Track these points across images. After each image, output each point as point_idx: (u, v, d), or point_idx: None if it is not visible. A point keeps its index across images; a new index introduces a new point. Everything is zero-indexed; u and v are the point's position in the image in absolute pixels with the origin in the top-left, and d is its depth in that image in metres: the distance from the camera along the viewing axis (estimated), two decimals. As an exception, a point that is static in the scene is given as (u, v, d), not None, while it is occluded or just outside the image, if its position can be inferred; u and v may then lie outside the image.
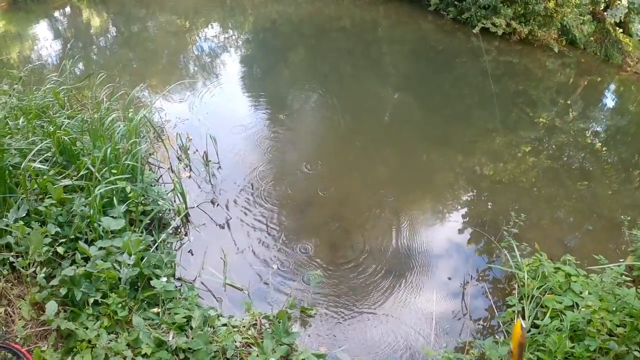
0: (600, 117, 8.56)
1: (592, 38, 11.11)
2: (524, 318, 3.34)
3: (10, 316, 2.98)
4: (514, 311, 3.45)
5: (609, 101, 9.77)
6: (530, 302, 3.44)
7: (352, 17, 11.23)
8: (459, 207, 5.06)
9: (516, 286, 3.71)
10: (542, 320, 3.24)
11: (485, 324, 3.69)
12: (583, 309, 3.13)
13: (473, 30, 10.28)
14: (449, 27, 10.84)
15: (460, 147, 6.20)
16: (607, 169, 6.42)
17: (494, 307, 3.73)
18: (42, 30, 9.38)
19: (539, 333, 3.16)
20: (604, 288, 3.32)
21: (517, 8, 10.22)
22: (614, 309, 3.10)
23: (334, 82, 7.78)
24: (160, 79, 7.32)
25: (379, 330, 3.46)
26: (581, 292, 3.35)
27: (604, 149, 7.09)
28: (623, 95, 10.11)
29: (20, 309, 2.95)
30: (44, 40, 8.67)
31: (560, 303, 3.33)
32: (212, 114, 6.16)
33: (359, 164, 5.50)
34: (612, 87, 10.44)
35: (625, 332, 2.95)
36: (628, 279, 3.43)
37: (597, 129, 7.96)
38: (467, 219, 4.84)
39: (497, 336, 3.41)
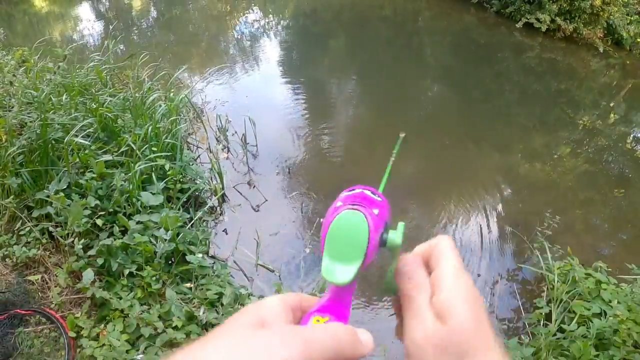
0: (643, 123, 8.31)
1: (638, 39, 10.74)
2: (550, 321, 3.31)
3: (47, 283, 3.11)
4: (541, 313, 3.41)
5: (654, 106, 9.46)
6: (559, 306, 3.40)
7: (394, 7, 11.12)
8: (493, 204, 5.00)
9: (545, 289, 3.67)
10: (568, 325, 3.21)
11: (511, 324, 3.66)
12: (611, 318, 3.08)
13: (516, 25, 10.06)
14: (492, 21, 10.63)
15: (498, 144, 6.11)
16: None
17: (521, 307, 3.70)
18: (84, 11, 9.59)
19: (564, 338, 3.12)
20: (634, 299, 3.26)
21: (562, 4, 9.93)
22: (642, 320, 3.05)
23: (373, 72, 7.73)
24: (201, 62, 7.42)
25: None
26: (610, 301, 3.29)
27: (645, 156, 6.89)
28: (669, 101, 9.78)
29: (56, 276, 3.06)
30: (86, 21, 8.87)
31: (589, 310, 3.28)
32: (251, 98, 6.21)
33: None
34: (658, 92, 10.08)
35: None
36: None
37: (639, 134, 7.73)
38: (501, 217, 4.79)
39: (522, 337, 3.38)
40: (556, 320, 3.31)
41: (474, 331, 0.44)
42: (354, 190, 0.50)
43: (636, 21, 10.48)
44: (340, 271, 0.45)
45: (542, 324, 3.36)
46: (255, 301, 0.45)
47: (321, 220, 4.23)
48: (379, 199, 0.50)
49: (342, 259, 0.45)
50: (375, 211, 0.48)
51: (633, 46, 10.62)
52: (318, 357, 0.38)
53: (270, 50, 8.26)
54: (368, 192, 0.50)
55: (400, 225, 0.51)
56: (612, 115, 7.95)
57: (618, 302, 3.21)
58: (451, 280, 0.47)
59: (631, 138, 7.37)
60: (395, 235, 0.49)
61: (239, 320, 0.42)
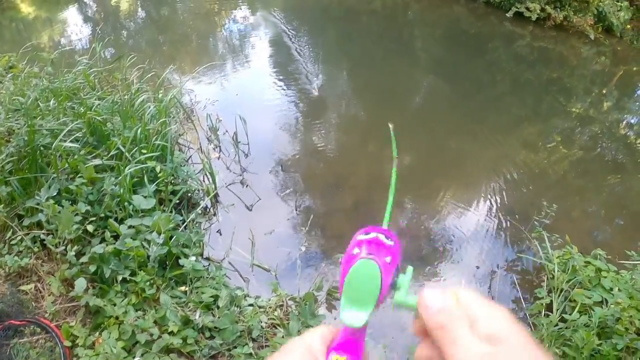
0: (635, 109, 8.29)
1: (628, 26, 10.73)
2: (552, 312, 3.29)
3: (40, 292, 3.06)
4: (542, 304, 3.39)
5: (646, 92, 9.46)
6: (559, 295, 3.38)
7: (383, 0, 11.06)
8: (489, 194, 4.97)
9: (545, 278, 3.64)
10: (570, 314, 3.18)
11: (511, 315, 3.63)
12: (612, 306, 3.06)
13: (506, 15, 10.03)
14: (482, 11, 10.60)
15: (491, 135, 6.08)
16: (641, 162, 6.24)
17: (521, 298, 3.67)
18: (71, 14, 9.47)
19: (567, 328, 3.10)
20: (635, 286, 3.24)
21: (552, -8, 9.94)
22: (644, 307, 3.03)
23: (364, 66, 7.70)
24: (190, 61, 7.35)
25: (404, 316, 3.44)
26: (611, 289, 3.27)
27: (638, 142, 6.88)
28: (661, 85, 9.78)
29: (49, 285, 3.01)
30: (73, 25, 8.76)
31: (590, 298, 3.26)
32: (241, 96, 6.16)
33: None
34: (649, 77, 10.09)
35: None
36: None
37: (632, 120, 7.72)
38: (497, 207, 4.76)
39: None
40: (557, 310, 3.29)
41: (530, 349, 0.46)
42: (369, 234, 0.56)
43: (626, 8, 10.47)
44: (356, 316, 0.52)
45: (543, 314, 3.33)
46: (300, 339, 0.53)
47: (312, 217, 4.22)
48: (391, 243, 0.56)
49: (357, 304, 0.52)
50: (388, 259, 0.54)
51: (623, 33, 10.62)
52: None
53: (259, 47, 8.20)
54: (382, 237, 0.56)
55: (409, 270, 0.58)
56: (604, 102, 7.94)
57: (619, 290, 3.20)
58: (487, 308, 0.49)
59: (624, 124, 7.37)
60: (404, 279, 0.56)
61: (297, 355, 0.50)
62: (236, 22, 9.36)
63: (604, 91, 8.43)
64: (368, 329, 0.54)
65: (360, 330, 0.53)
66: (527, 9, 9.90)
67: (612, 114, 7.51)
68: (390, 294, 0.55)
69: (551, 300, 3.37)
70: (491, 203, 4.83)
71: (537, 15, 9.89)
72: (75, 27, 8.67)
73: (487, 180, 5.21)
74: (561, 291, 3.39)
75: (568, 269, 3.50)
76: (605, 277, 3.40)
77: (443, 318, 0.48)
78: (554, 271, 3.51)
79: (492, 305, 0.49)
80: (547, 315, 3.27)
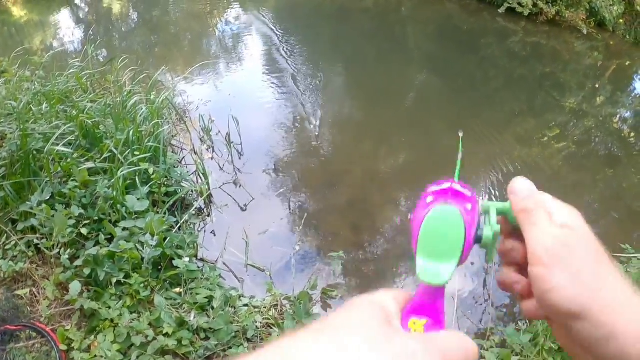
0: (629, 103, 8.31)
1: (621, 20, 10.75)
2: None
3: (35, 296, 3.06)
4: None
5: (639, 86, 9.48)
6: (554, 288, 3.38)
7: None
8: (483, 190, 4.99)
9: (540, 272, 3.65)
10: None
11: (507, 310, 3.65)
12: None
13: (498, 11, 10.04)
14: (474, 8, 10.60)
15: (485, 131, 6.08)
16: (635, 156, 6.26)
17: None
18: (63, 17, 9.44)
19: (562, 321, 3.10)
20: (630, 279, 3.24)
21: (543, -13, 9.95)
22: None
23: (357, 64, 7.70)
24: (183, 62, 7.34)
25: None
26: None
27: (632, 135, 6.91)
28: (654, 79, 9.81)
29: (44, 289, 3.01)
30: (65, 28, 8.73)
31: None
32: (234, 96, 6.16)
33: (383, 146, 5.46)
34: (642, 71, 10.11)
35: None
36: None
37: (626, 114, 7.74)
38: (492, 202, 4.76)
39: (519, 324, 3.36)
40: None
41: (595, 239, 0.50)
42: (442, 184, 0.49)
43: (618, 2, 10.49)
44: (437, 271, 0.44)
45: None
46: (368, 296, 0.43)
47: (306, 216, 4.21)
48: (469, 193, 0.49)
49: (438, 257, 0.44)
50: (469, 206, 0.47)
51: (616, 27, 10.64)
52: None
53: (251, 47, 8.18)
54: (457, 187, 0.49)
55: (494, 223, 0.50)
56: (598, 96, 7.96)
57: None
58: (562, 205, 0.52)
59: (618, 118, 7.39)
60: (489, 231, 0.49)
61: (367, 312, 0.41)
62: (228, 22, 9.34)
63: (597, 85, 8.45)
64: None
65: (439, 290, 0.45)
66: (520, 4, 9.90)
67: (606, 108, 7.53)
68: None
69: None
70: (485, 198, 4.81)
71: (530, 10, 9.89)
72: (67, 30, 8.64)
73: (481, 175, 5.22)
74: (556, 285, 3.39)
75: (562, 263, 3.50)
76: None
77: (529, 203, 0.51)
78: (548, 265, 3.51)
79: (566, 204, 0.52)
80: (542, 310, 3.28)
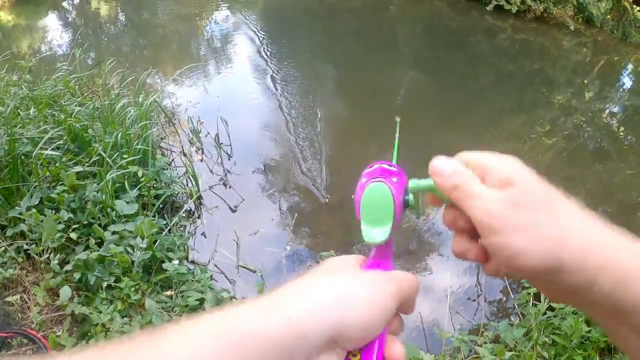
0: (617, 98, 8.38)
1: (608, 16, 10.83)
2: (539, 301, 3.30)
3: (26, 303, 3.02)
4: (529, 293, 3.40)
5: (627, 81, 9.55)
6: (547, 284, 3.39)
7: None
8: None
9: (532, 268, 3.66)
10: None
11: (499, 305, 3.66)
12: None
13: (486, 8, 10.08)
14: (462, 5, 10.65)
15: (475, 128, 6.12)
16: (624, 150, 6.30)
17: (509, 288, 3.68)
18: (51, 21, 9.39)
19: (555, 316, 3.11)
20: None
21: (531, -15, 10.00)
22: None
23: (347, 64, 7.71)
24: (171, 64, 7.31)
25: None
26: (599, 276, 3.29)
27: (621, 130, 6.95)
28: (641, 74, 9.89)
29: (35, 295, 2.98)
30: (53, 31, 8.68)
31: (577, 285, 3.27)
32: (223, 97, 6.15)
33: (373, 144, 5.46)
34: (630, 66, 10.18)
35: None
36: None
37: (615, 109, 7.80)
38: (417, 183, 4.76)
39: (512, 318, 3.37)
40: (545, 299, 3.30)
41: (544, 186, 0.48)
42: (372, 167, 0.59)
43: (606, -2, 10.57)
44: (376, 233, 0.55)
45: (531, 303, 3.35)
46: (337, 257, 0.57)
47: (296, 216, 4.21)
48: (394, 169, 0.58)
49: (375, 222, 0.55)
50: (394, 179, 0.56)
51: (603, 23, 10.72)
52: (404, 293, 0.50)
53: (240, 47, 8.16)
54: (385, 165, 0.59)
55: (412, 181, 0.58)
56: (587, 92, 8.02)
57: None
58: (495, 158, 0.51)
59: (606, 113, 7.44)
60: (413, 197, 0.58)
61: (341, 262, 0.54)
62: (217, 24, 9.32)
63: (586, 81, 8.51)
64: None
65: (386, 248, 0.56)
66: (507, 1, 9.96)
67: (595, 103, 7.58)
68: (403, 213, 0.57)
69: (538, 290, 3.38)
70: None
71: (517, 7, 9.95)
72: (55, 34, 8.59)
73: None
74: (548, 280, 3.40)
75: (554, 258, 3.51)
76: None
77: (455, 178, 0.50)
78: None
79: (500, 155, 0.51)
80: (535, 305, 3.28)
